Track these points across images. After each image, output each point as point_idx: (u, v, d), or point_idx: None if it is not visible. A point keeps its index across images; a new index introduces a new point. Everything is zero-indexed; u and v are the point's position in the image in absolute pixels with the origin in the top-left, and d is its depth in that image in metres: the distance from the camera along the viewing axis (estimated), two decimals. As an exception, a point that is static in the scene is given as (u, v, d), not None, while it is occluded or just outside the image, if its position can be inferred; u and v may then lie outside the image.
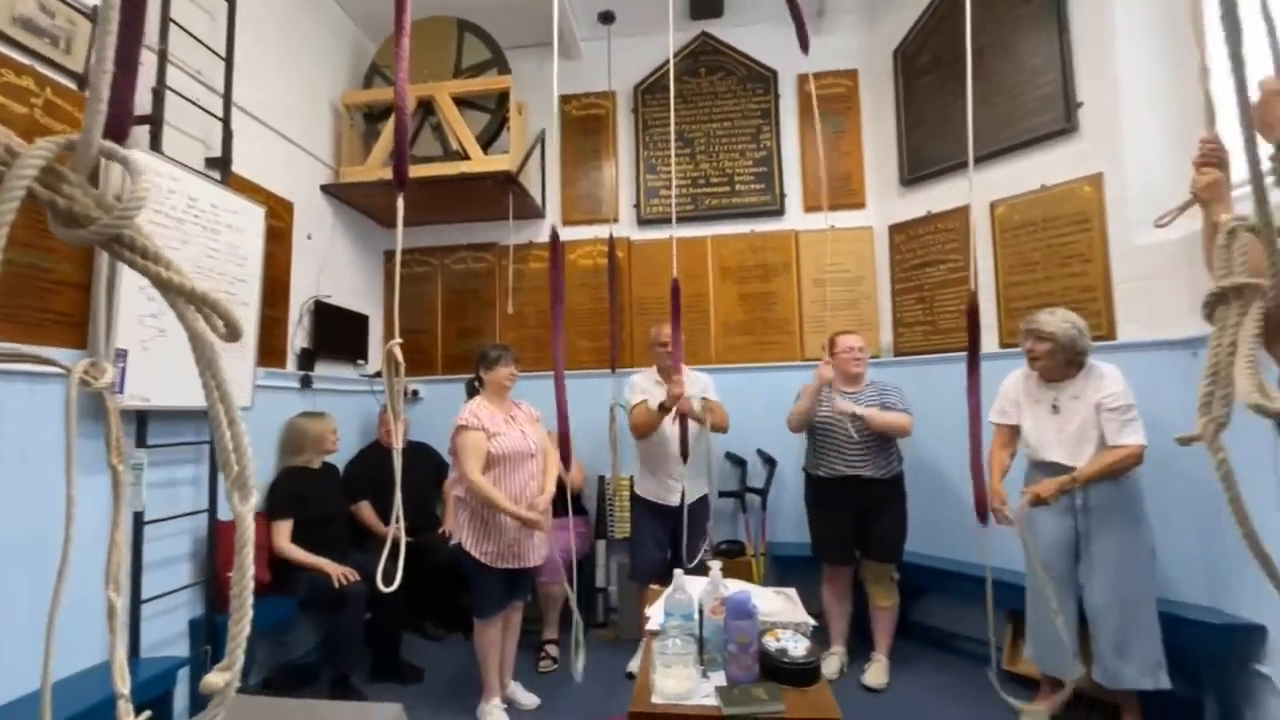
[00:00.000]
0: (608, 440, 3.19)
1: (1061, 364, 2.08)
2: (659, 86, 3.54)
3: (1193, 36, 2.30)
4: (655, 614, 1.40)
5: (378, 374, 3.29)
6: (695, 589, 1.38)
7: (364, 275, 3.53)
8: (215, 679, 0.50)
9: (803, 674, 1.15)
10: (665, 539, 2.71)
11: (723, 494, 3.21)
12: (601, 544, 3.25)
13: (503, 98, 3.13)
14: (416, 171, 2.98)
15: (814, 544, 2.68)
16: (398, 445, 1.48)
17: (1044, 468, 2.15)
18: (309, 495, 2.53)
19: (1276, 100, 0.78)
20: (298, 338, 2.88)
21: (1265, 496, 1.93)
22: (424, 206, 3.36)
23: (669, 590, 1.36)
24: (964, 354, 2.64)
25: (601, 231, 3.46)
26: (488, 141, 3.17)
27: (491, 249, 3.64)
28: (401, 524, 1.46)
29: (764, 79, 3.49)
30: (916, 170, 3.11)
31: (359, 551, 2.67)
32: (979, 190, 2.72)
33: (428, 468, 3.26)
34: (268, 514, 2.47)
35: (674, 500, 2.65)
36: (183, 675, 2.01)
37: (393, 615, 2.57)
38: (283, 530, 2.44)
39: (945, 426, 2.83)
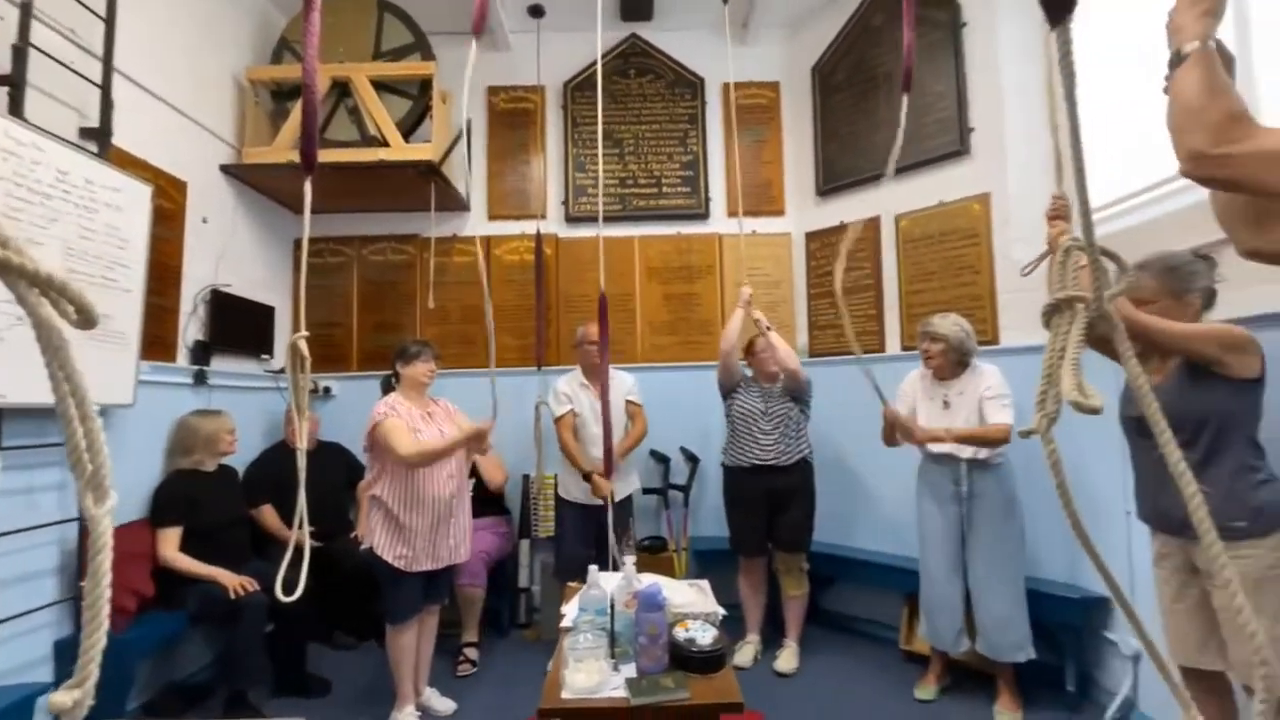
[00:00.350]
0: (532, 439, 3.19)
1: (952, 363, 2.29)
2: (589, 84, 3.54)
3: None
4: (570, 611, 1.41)
5: (283, 370, 3.09)
6: (610, 584, 1.40)
7: (270, 264, 3.31)
8: (62, 698, 0.46)
9: (709, 661, 1.20)
10: (590, 536, 2.73)
11: (646, 491, 3.25)
12: (525, 543, 3.21)
13: (425, 85, 3.02)
14: (330, 156, 2.83)
15: (731, 538, 2.78)
16: (302, 445, 1.40)
17: (935, 459, 2.34)
18: (201, 500, 2.34)
19: (1183, 8, 0.87)
20: (191, 330, 2.66)
21: (1114, 485, 2.19)
22: (339, 193, 3.19)
23: (585, 587, 1.38)
24: (875, 354, 2.83)
25: (529, 227, 3.42)
26: (409, 129, 3.05)
27: (413, 241, 3.51)
28: (306, 528, 1.39)
29: (691, 85, 3.58)
30: (831, 182, 3.30)
31: (261, 559, 2.50)
32: (881, 204, 2.93)
33: (340, 469, 3.10)
34: (153, 521, 2.27)
35: (598, 500, 2.68)
36: (45, 703, 1.81)
37: (297, 625, 2.43)
38: (169, 538, 2.25)
39: (852, 424, 3.02)
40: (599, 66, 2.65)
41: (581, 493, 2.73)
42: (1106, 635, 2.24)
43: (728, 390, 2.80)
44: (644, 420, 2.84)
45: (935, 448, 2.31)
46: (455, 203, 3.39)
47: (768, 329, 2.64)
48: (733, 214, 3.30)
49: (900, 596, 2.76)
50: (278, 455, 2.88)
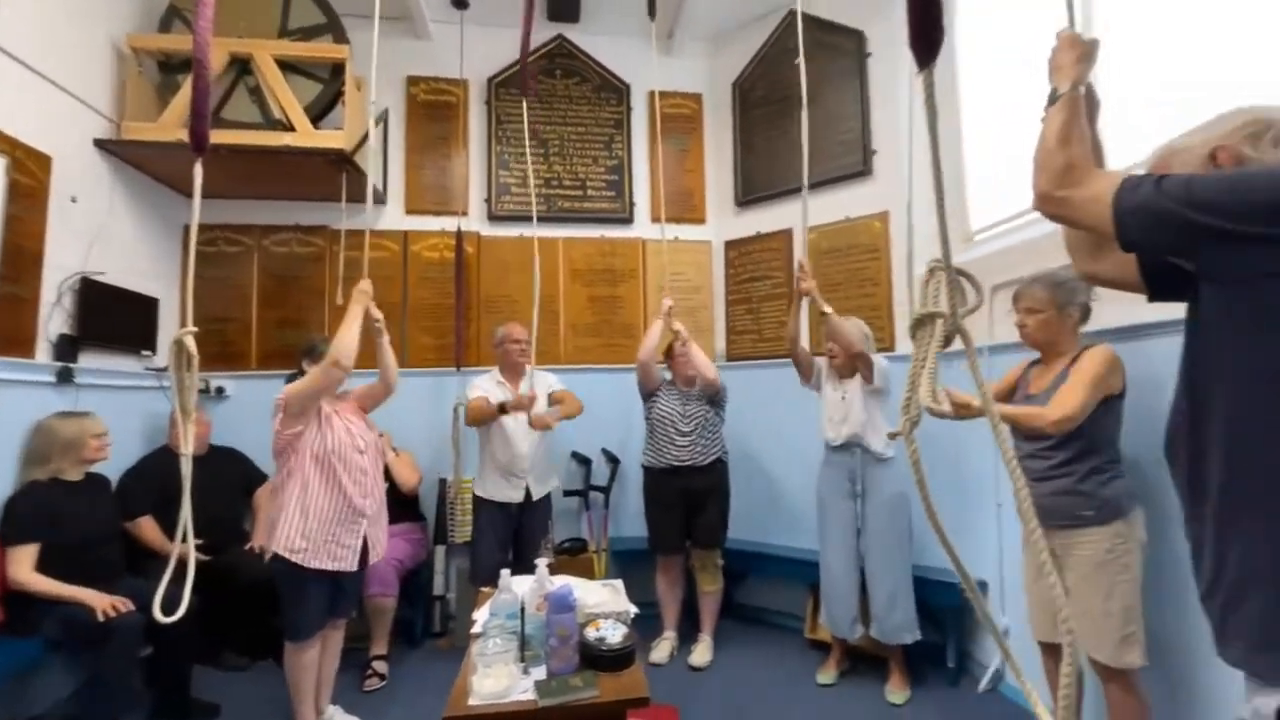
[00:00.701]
0: (450, 441, 3.11)
1: (850, 363, 2.48)
2: (514, 82, 3.49)
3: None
4: (481, 616, 1.39)
5: (167, 368, 2.83)
6: (522, 588, 1.40)
7: (155, 252, 3.02)
8: None
9: (618, 659, 1.23)
10: (507, 539, 2.70)
11: (567, 493, 3.26)
12: (441, 550, 3.12)
13: (338, 69, 2.87)
14: (227, 137, 2.63)
15: (649, 536, 2.84)
16: (186, 450, 1.31)
17: (835, 451, 2.51)
18: (63, 513, 2.10)
19: (1063, 50, 0.99)
20: (55, 322, 2.38)
21: (987, 479, 2.44)
22: (239, 178, 2.96)
23: (497, 591, 1.37)
24: (785, 360, 2.97)
25: (449, 224, 3.33)
26: (318, 115, 2.89)
27: (321, 233, 3.32)
28: (191, 541, 1.29)
29: (618, 90, 3.61)
30: (749, 193, 3.45)
31: (138, 577, 2.27)
32: (794, 218, 3.08)
33: (234, 475, 2.88)
34: (2, 538, 2.02)
35: (517, 497, 2.67)
36: None
37: (180, 647, 2.23)
38: (23, 557, 2.00)
39: (767, 424, 3.17)
40: (524, 66, 2.63)
41: (500, 490, 2.68)
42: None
43: (647, 394, 2.86)
44: (576, 401, 2.83)
45: (830, 433, 2.49)
46: (370, 195, 3.23)
47: (685, 341, 2.71)
48: (656, 220, 3.37)
49: (806, 588, 2.92)
50: (160, 462, 2.63)
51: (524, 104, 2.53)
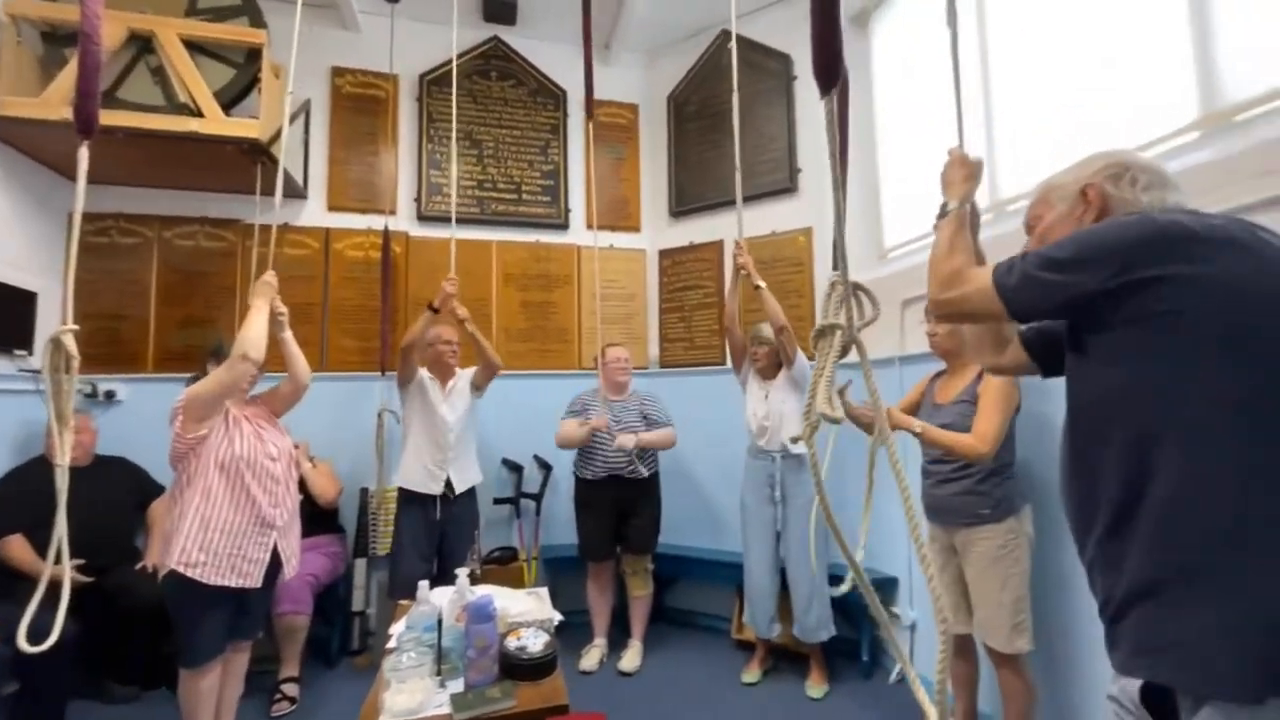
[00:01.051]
0: (374, 448, 2.97)
1: (773, 365, 2.59)
2: (447, 80, 3.41)
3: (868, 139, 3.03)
4: (397, 630, 1.34)
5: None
6: (442, 599, 1.36)
7: (35, 241, 2.73)
8: None
9: (539, 667, 1.22)
10: (430, 549, 2.61)
11: (498, 500, 3.20)
12: (361, 563, 2.97)
13: (253, 54, 2.70)
14: (124, 120, 2.43)
15: (580, 543, 2.83)
16: (63, 460, 1.21)
17: (757, 455, 2.60)
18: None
19: (954, 168, 1.10)
20: (-95, 317, 2.11)
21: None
22: (137, 164, 2.74)
23: (414, 604, 1.33)
24: (718, 367, 3.04)
25: (376, 222, 3.21)
26: (231, 101, 2.71)
27: (233, 227, 3.11)
28: (66, 561, 1.18)
29: (555, 96, 3.61)
30: (682, 205, 3.52)
31: (7, 602, 2.03)
32: (726, 230, 3.19)
33: (125, 488, 2.64)
34: None
35: (438, 489, 2.60)
36: None
37: (53, 680, 2.01)
38: None
39: (698, 431, 3.23)
40: (454, 65, 2.58)
41: (424, 482, 2.60)
42: (892, 610, 2.64)
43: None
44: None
45: (759, 441, 2.58)
46: (288, 188, 3.06)
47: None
48: (591, 227, 3.38)
49: (733, 590, 3.00)
50: (35, 474, 2.37)
51: (453, 103, 2.49)
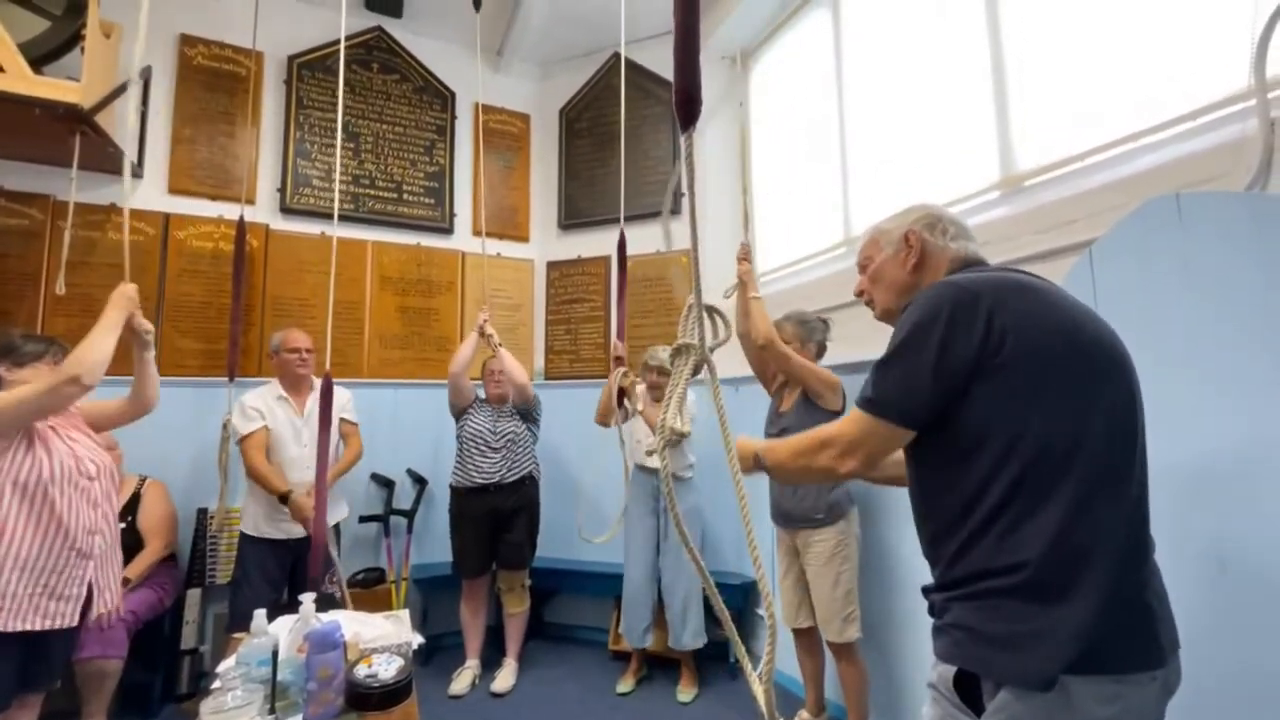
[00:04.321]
0: (216, 463, 2.64)
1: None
2: (321, 66, 3.18)
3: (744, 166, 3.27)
4: (224, 667, 1.20)
5: None
6: (283, 629, 1.24)
7: None
8: None
9: (390, 695, 1.16)
10: (281, 576, 2.37)
11: (364, 519, 2.98)
12: (195, 594, 2.62)
13: (75, 7, 2.34)
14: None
15: (454, 559, 2.72)
16: None
17: (643, 470, 2.66)
18: None
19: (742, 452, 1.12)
20: None
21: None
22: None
23: (249, 635, 1.20)
24: (600, 381, 3.08)
25: (229, 211, 2.89)
26: (44, 57, 2.32)
27: (40, 203, 2.65)
28: None
29: (442, 96, 3.49)
30: (571, 218, 3.55)
31: None
32: (615, 246, 3.27)
33: None
34: None
35: (298, 532, 2.35)
36: None
37: None
38: None
39: (579, 444, 3.25)
40: (341, 50, 2.41)
41: (274, 525, 2.35)
42: (758, 612, 2.81)
43: (459, 411, 2.76)
44: (359, 442, 2.61)
45: (645, 460, 2.64)
46: (115, 164, 2.66)
47: (498, 345, 2.68)
48: (478, 233, 3.30)
49: (612, 601, 3.03)
50: None
51: (338, 93, 2.32)
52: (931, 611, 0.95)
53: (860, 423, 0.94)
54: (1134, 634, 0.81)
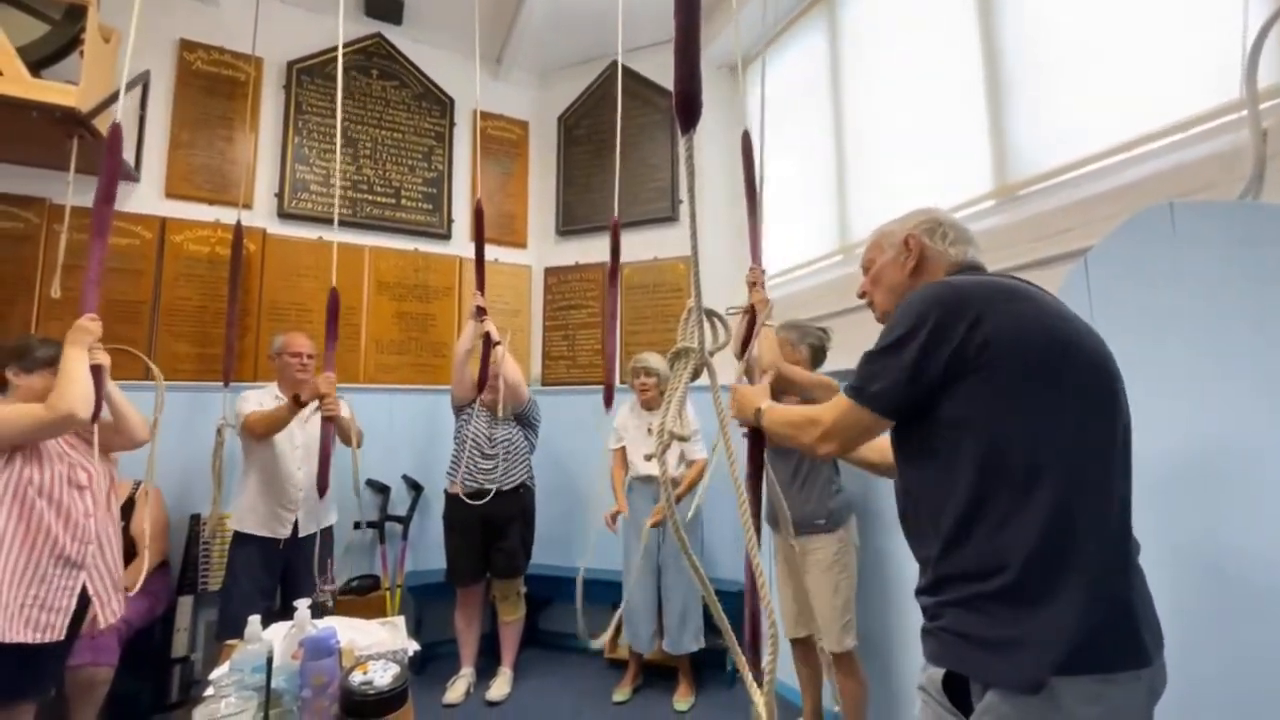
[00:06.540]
0: (209, 469, 2.62)
1: (660, 395, 2.66)
2: (320, 72, 3.19)
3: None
4: (217, 675, 1.19)
5: None
6: (277, 636, 1.23)
7: None
8: None
9: (385, 702, 1.14)
10: (271, 583, 2.34)
11: (359, 525, 2.96)
12: (187, 601, 2.59)
13: (75, 12, 2.35)
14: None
15: (448, 567, 2.70)
16: None
17: (641, 479, 2.66)
18: None
19: (740, 399, 1.21)
20: None
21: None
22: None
23: (243, 642, 1.19)
24: (597, 387, 3.08)
25: (226, 215, 2.89)
26: (41, 61, 2.33)
27: (37, 206, 2.64)
28: None
29: (441, 103, 3.50)
30: (569, 224, 3.56)
31: None
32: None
33: None
34: None
35: (284, 531, 2.33)
36: None
37: None
38: None
39: (576, 450, 3.24)
40: (340, 56, 2.42)
41: (272, 521, 2.33)
42: (755, 619, 2.80)
43: (459, 406, 2.75)
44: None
45: (642, 470, 2.63)
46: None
47: (497, 343, 2.58)
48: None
49: (609, 608, 3.01)
50: None
51: (338, 97, 2.33)
52: (925, 613, 0.95)
53: (844, 408, 1.00)
54: (1117, 633, 0.81)
